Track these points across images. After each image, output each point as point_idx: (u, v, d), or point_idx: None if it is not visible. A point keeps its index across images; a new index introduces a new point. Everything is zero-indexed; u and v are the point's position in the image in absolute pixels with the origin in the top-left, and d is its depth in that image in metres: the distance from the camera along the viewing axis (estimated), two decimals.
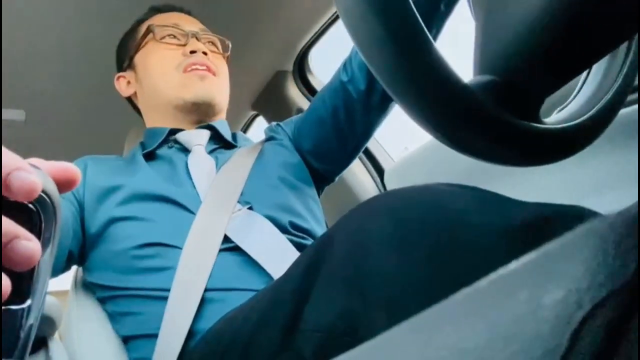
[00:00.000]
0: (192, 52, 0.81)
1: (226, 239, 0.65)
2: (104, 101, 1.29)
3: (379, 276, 0.33)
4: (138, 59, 0.86)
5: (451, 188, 0.37)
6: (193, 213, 0.68)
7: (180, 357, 0.57)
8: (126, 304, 0.67)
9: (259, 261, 0.62)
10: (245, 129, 1.63)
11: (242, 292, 0.59)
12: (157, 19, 0.87)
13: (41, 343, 0.82)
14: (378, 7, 0.28)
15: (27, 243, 0.23)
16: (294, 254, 0.63)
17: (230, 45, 0.91)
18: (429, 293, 0.30)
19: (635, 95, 0.66)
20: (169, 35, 0.84)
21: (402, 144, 1.34)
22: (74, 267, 0.81)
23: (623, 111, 0.67)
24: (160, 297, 0.62)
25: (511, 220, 0.31)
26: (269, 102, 1.45)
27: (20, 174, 0.23)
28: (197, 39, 0.83)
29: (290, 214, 0.72)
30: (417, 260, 0.32)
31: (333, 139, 0.80)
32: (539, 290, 0.13)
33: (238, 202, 0.70)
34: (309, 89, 1.38)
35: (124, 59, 0.90)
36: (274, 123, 0.92)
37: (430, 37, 0.29)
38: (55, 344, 0.82)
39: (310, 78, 1.38)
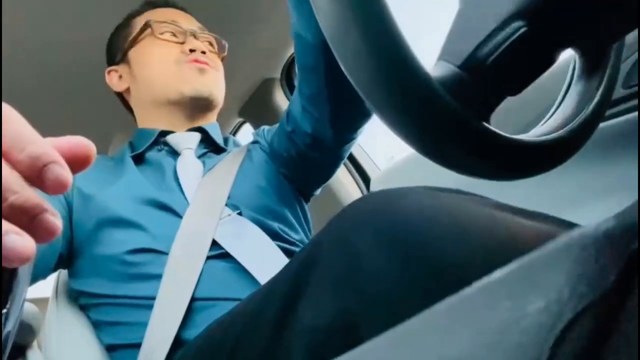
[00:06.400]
0: (192, 50, 0.80)
1: (215, 245, 0.64)
2: (88, 104, 1.28)
3: (373, 276, 0.33)
4: (133, 53, 0.83)
5: (439, 191, 0.37)
6: (182, 218, 0.67)
7: None
8: (113, 312, 0.65)
9: (248, 269, 0.61)
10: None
11: (230, 302, 0.58)
12: (154, 14, 0.84)
13: (19, 351, 0.80)
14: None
15: (53, 218, 0.23)
16: (284, 262, 0.62)
17: (226, 46, 0.89)
18: (421, 291, 0.30)
19: (630, 103, 0.67)
20: (167, 32, 0.82)
21: (389, 152, 1.35)
22: (55, 274, 0.79)
23: (614, 121, 0.68)
24: (149, 305, 0.60)
25: (500, 223, 0.32)
26: (256, 109, 1.45)
27: (56, 168, 0.23)
28: (194, 37, 0.82)
29: (279, 221, 0.71)
30: (408, 259, 0.32)
31: (301, 174, 0.79)
32: (522, 300, 0.13)
33: (226, 205, 0.69)
34: None
35: (116, 52, 0.86)
36: (264, 127, 0.90)
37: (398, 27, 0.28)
38: (34, 353, 0.80)
39: None
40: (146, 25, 0.82)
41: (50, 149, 0.24)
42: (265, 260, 0.63)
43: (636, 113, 0.66)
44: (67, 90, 1.26)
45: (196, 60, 0.79)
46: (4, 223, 0.22)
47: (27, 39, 1.08)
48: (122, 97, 0.89)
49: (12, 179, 0.23)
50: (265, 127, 0.89)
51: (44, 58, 1.14)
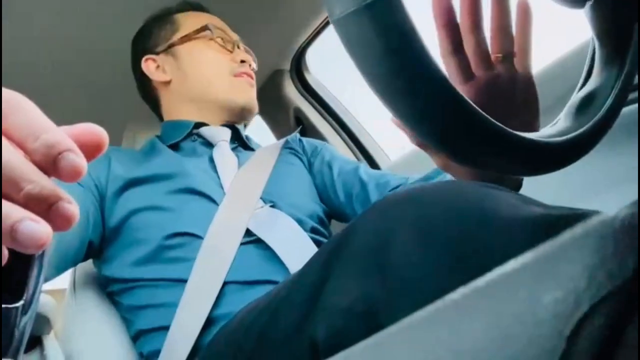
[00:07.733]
0: (242, 61, 0.86)
1: (247, 233, 0.67)
2: (100, 98, 1.28)
3: (401, 263, 0.33)
4: (184, 49, 0.85)
5: (474, 184, 0.37)
6: (219, 205, 0.70)
7: (197, 347, 0.58)
8: (146, 295, 0.66)
9: (279, 254, 0.63)
10: None
11: (262, 285, 0.61)
12: (200, 17, 0.89)
13: (35, 342, 0.81)
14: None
15: (70, 206, 0.23)
16: (315, 250, 0.65)
17: (255, 60, 0.94)
18: (450, 282, 0.30)
19: (634, 95, 0.66)
20: (220, 37, 0.87)
21: (400, 142, 1.34)
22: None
23: (624, 110, 0.67)
24: (182, 287, 0.62)
25: (534, 219, 0.31)
26: (266, 101, 1.44)
27: (71, 156, 0.23)
28: (238, 47, 0.89)
29: (310, 217, 0.75)
30: (440, 250, 0.32)
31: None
32: (537, 290, 0.13)
33: (261, 199, 0.72)
34: (306, 88, 1.38)
35: (157, 43, 0.88)
36: (297, 137, 0.95)
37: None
38: (51, 342, 0.82)
39: (308, 77, 1.38)
40: (204, 28, 0.86)
41: (65, 136, 0.24)
42: (296, 247, 0.65)
43: (636, 105, 0.65)
44: (79, 84, 1.27)
45: (247, 74, 0.86)
46: (20, 210, 0.22)
47: (41, 33, 1.09)
48: (149, 86, 0.90)
49: (28, 168, 0.23)
50: (302, 138, 0.94)
51: (57, 53, 1.15)
